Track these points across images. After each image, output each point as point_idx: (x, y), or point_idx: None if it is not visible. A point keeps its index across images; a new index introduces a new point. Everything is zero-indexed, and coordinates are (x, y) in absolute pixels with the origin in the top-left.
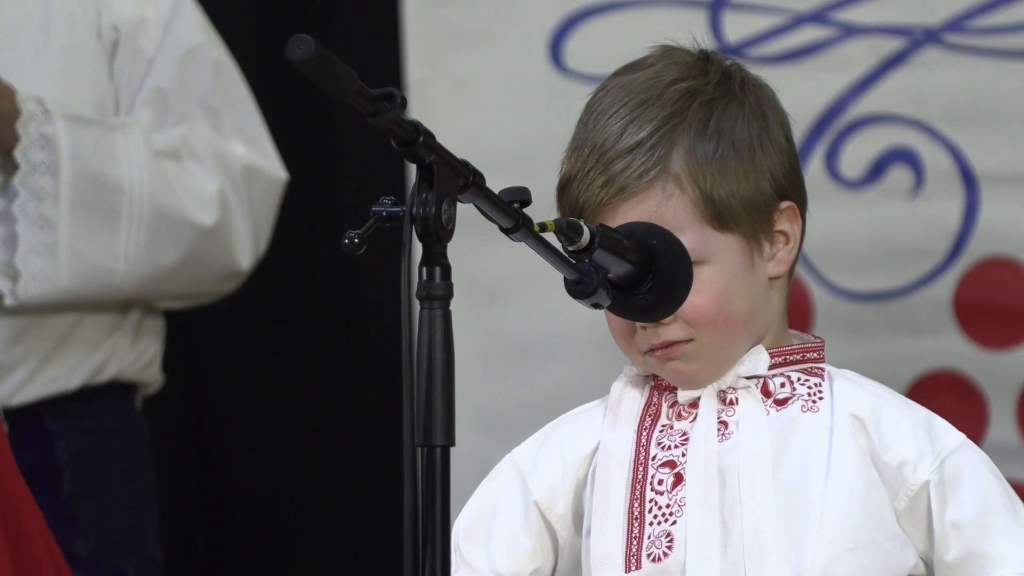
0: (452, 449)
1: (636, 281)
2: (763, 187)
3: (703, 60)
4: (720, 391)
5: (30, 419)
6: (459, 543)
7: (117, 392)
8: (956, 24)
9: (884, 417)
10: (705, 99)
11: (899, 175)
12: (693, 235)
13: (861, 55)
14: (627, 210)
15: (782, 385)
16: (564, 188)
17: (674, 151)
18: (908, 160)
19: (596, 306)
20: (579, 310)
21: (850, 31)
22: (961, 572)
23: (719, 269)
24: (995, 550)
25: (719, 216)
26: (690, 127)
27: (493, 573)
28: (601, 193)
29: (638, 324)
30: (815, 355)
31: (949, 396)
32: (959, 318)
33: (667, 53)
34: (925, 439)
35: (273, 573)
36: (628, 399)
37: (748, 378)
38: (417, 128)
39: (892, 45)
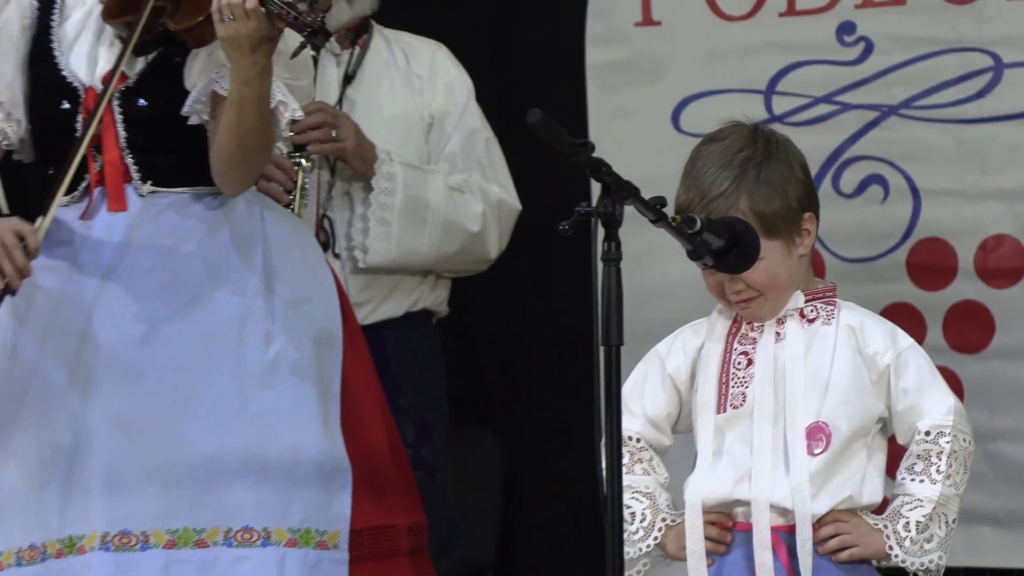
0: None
1: (727, 250)
2: (792, 206)
3: (753, 131)
4: (777, 319)
5: (373, 333)
6: (624, 398)
7: (424, 316)
8: (907, 103)
9: (867, 327)
10: (756, 162)
11: (875, 191)
12: None
13: (853, 121)
14: None
15: (811, 311)
16: (679, 213)
17: (740, 197)
18: (880, 182)
19: (704, 265)
20: (690, 267)
21: (846, 107)
22: (906, 417)
23: (769, 261)
24: (925, 405)
25: (769, 230)
26: (749, 181)
27: (643, 414)
28: None
29: (727, 287)
30: (831, 294)
31: (903, 318)
32: (909, 272)
33: (733, 129)
34: (889, 340)
35: (511, 416)
36: (722, 320)
37: (793, 310)
38: (601, 163)
39: (871, 115)
